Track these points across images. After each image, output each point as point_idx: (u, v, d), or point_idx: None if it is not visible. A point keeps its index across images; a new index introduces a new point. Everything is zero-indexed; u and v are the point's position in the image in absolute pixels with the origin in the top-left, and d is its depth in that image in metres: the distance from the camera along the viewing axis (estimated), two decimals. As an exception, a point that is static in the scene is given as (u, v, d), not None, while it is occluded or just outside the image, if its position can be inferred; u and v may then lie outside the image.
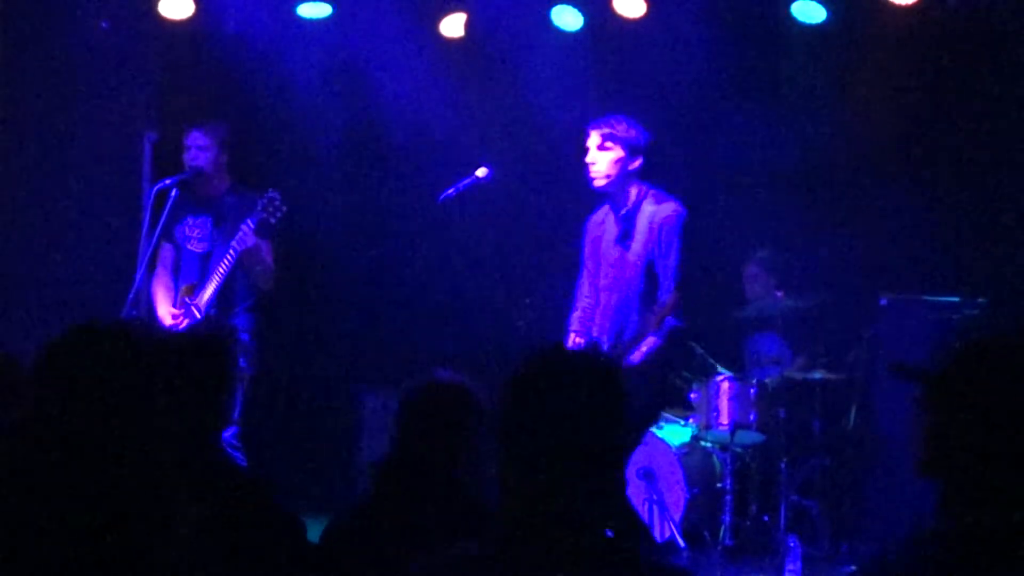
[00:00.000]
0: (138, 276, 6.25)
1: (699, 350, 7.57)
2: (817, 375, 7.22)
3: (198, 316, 6.30)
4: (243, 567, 3.07)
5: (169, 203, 6.34)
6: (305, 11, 7.81)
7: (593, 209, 5.73)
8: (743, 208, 8.08)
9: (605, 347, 5.39)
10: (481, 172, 6.10)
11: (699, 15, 7.64)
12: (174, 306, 6.43)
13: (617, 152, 5.44)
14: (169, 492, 2.40)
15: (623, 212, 5.49)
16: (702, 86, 7.86)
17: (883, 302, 7.12)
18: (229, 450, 6.22)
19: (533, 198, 8.19)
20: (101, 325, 2.57)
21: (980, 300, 6.97)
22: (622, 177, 5.46)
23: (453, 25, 7.83)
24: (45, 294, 7.17)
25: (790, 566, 6.40)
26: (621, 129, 5.45)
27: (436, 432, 3.41)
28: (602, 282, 5.51)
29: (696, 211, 8.08)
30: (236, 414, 6.30)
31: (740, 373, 7.41)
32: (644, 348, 5.32)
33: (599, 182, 5.49)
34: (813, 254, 7.75)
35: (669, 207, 5.40)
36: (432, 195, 6.17)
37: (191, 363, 3.34)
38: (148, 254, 6.29)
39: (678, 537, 6.74)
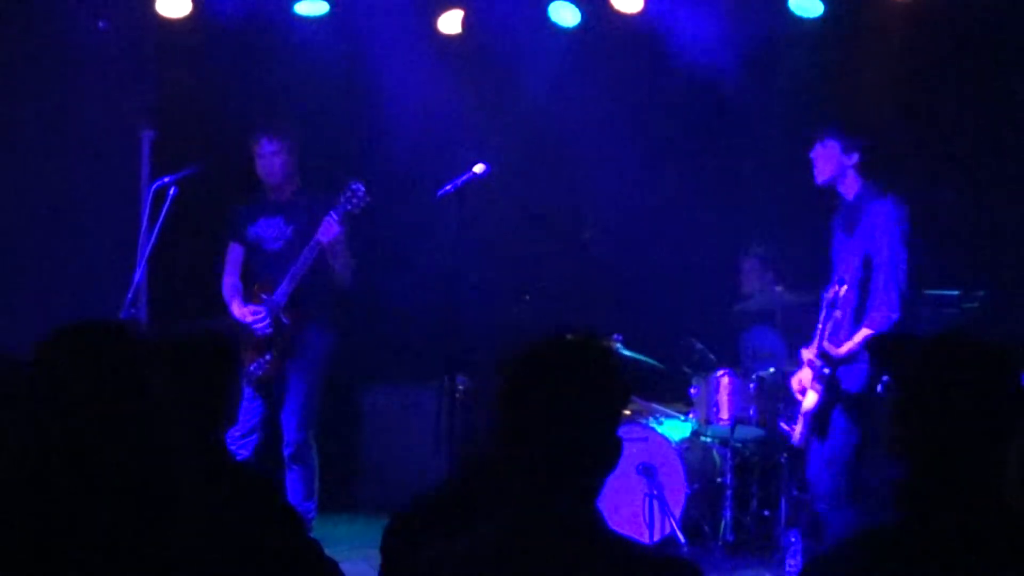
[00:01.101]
0: (136, 275, 6.23)
1: (699, 345, 7.57)
2: (816, 369, 7.21)
3: (277, 311, 6.32)
4: (245, 564, 3.07)
5: (169, 200, 6.30)
6: (302, 9, 7.81)
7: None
8: (740, 202, 8.08)
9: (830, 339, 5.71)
10: (479, 168, 6.10)
11: (696, 10, 7.64)
12: (247, 303, 6.44)
13: (834, 148, 5.79)
14: (171, 491, 2.40)
15: (846, 206, 5.85)
16: (699, 81, 7.85)
17: (883, 296, 7.10)
18: (305, 448, 6.26)
19: (531, 194, 8.19)
20: (92, 324, 2.56)
21: (980, 293, 6.97)
22: (840, 172, 5.79)
23: (451, 22, 7.83)
24: (43, 292, 7.15)
25: (790, 561, 6.40)
26: (839, 127, 5.86)
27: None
28: (838, 276, 5.81)
29: (693, 205, 8.14)
30: (304, 421, 6.37)
31: (737, 368, 7.41)
32: (856, 339, 5.61)
33: (819, 177, 5.86)
34: (812, 248, 7.75)
35: (887, 201, 5.73)
36: (430, 191, 6.17)
37: (188, 363, 3.32)
38: (147, 253, 6.27)
39: (678, 532, 6.74)
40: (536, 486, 2.22)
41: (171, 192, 6.31)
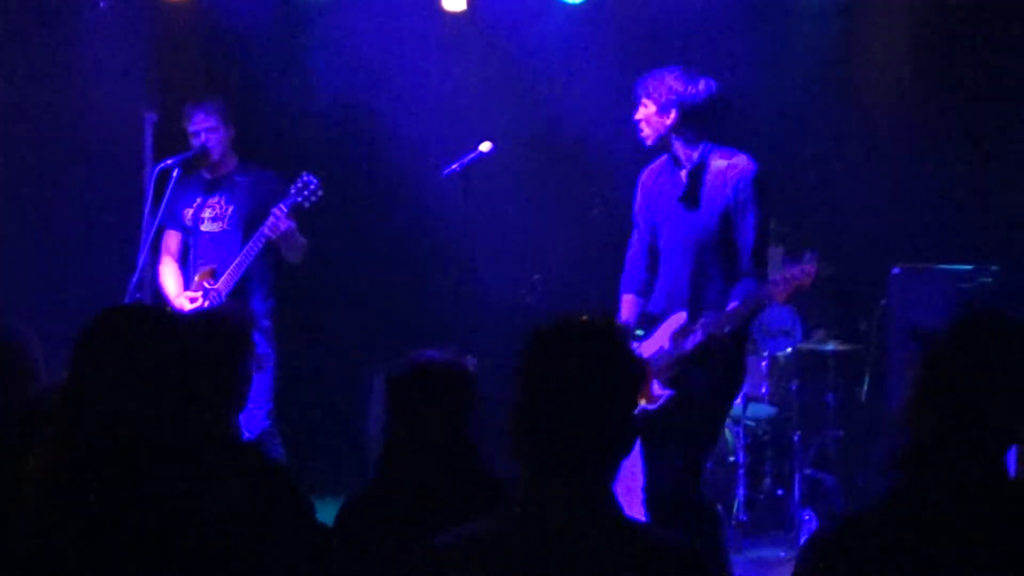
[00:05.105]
0: (141, 258, 6.17)
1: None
2: (829, 346, 7.17)
3: (220, 301, 6.14)
4: (254, 546, 3.03)
5: (172, 184, 6.23)
6: (305, -13, 7.76)
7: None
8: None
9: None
10: (485, 147, 6.03)
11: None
12: (188, 290, 6.28)
13: (649, 109, 5.10)
14: (201, 471, 2.40)
15: (677, 169, 5.16)
16: (709, 58, 7.77)
17: (895, 271, 7.06)
18: (268, 438, 6.13)
19: (537, 172, 8.13)
20: (137, 308, 2.53)
21: (993, 268, 6.91)
22: (664, 132, 5.11)
23: (455, -2, 7.76)
24: (46, 276, 7.12)
25: (805, 539, 6.35)
26: (647, 84, 5.12)
27: (429, 410, 3.34)
28: (663, 243, 5.18)
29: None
30: (270, 401, 6.20)
31: (751, 345, 7.36)
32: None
33: (645, 141, 5.21)
34: (825, 224, 7.69)
35: (738, 161, 5.07)
36: (436, 171, 6.12)
37: (212, 346, 3.29)
38: (151, 236, 6.19)
39: (691, 512, 6.69)
40: (552, 470, 2.20)
41: (174, 175, 6.25)
